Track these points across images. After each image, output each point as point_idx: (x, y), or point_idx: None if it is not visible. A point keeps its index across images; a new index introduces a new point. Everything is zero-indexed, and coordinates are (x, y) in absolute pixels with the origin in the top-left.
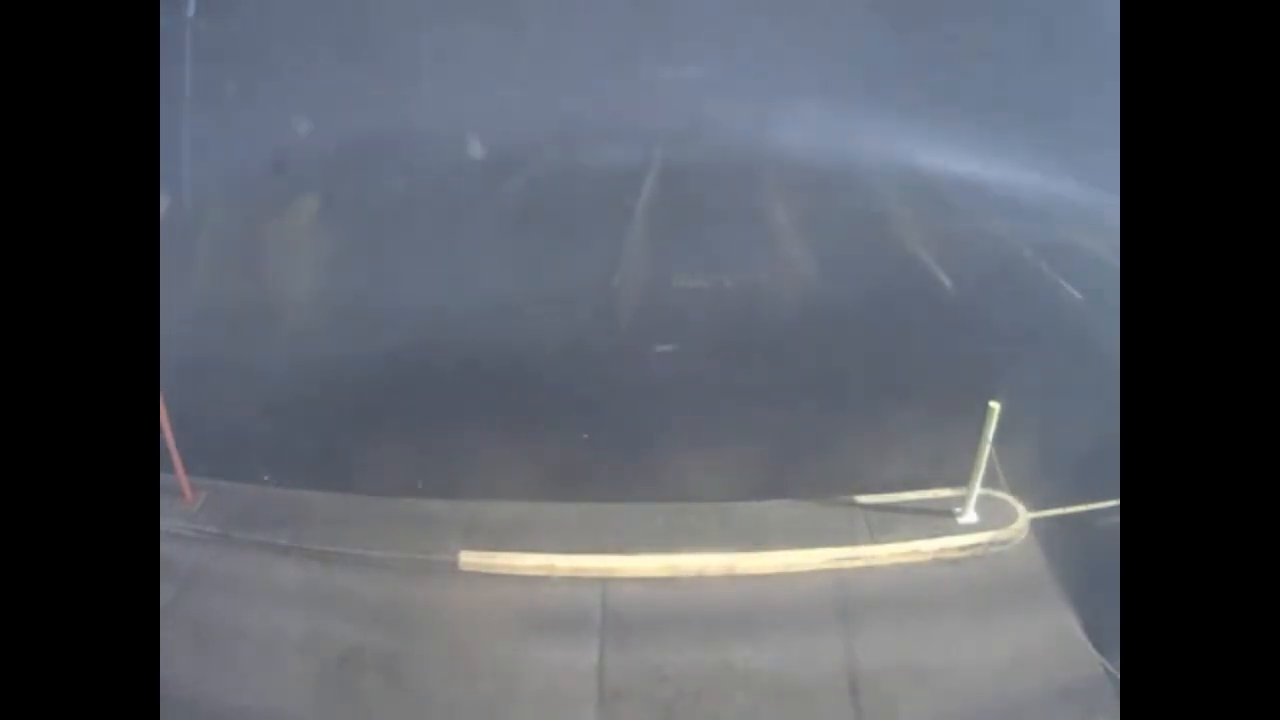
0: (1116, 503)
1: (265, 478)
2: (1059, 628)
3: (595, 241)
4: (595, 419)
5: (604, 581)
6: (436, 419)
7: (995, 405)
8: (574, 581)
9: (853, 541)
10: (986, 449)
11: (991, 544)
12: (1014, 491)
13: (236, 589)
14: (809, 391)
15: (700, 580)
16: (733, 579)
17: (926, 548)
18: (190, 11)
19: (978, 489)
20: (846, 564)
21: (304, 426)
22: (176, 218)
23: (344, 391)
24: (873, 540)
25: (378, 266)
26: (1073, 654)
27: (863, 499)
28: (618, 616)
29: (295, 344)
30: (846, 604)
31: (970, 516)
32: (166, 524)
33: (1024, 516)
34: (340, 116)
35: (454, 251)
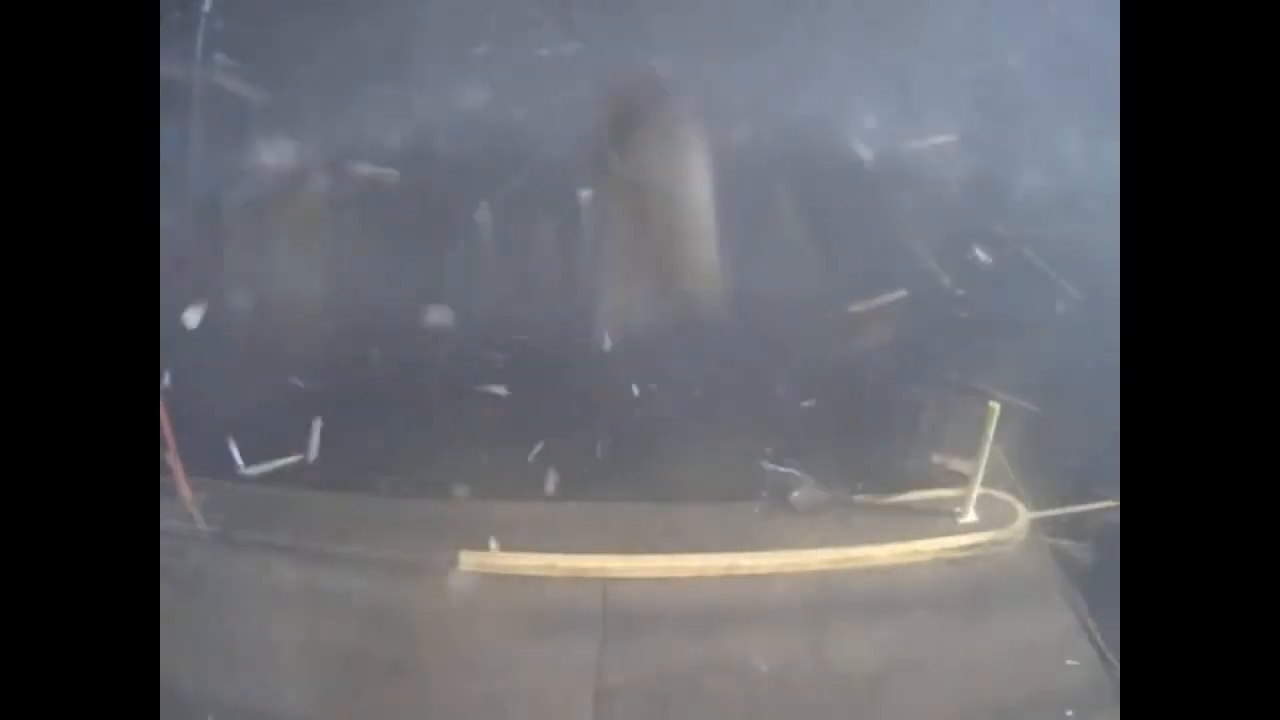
0: (1116, 503)
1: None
2: (1059, 627)
3: None
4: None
5: (604, 581)
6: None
7: (995, 405)
8: (574, 581)
9: (853, 541)
10: (986, 449)
11: (991, 544)
12: (1014, 491)
13: (236, 589)
14: (808, 391)
15: (700, 580)
16: (733, 579)
17: (926, 548)
18: (206, 7)
19: (978, 489)
20: (846, 564)
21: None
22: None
23: (343, 389)
24: (873, 540)
25: (381, 266)
26: (1073, 653)
27: (863, 499)
28: (618, 616)
29: (295, 341)
30: (846, 604)
31: (970, 516)
32: (166, 524)
33: (1024, 516)
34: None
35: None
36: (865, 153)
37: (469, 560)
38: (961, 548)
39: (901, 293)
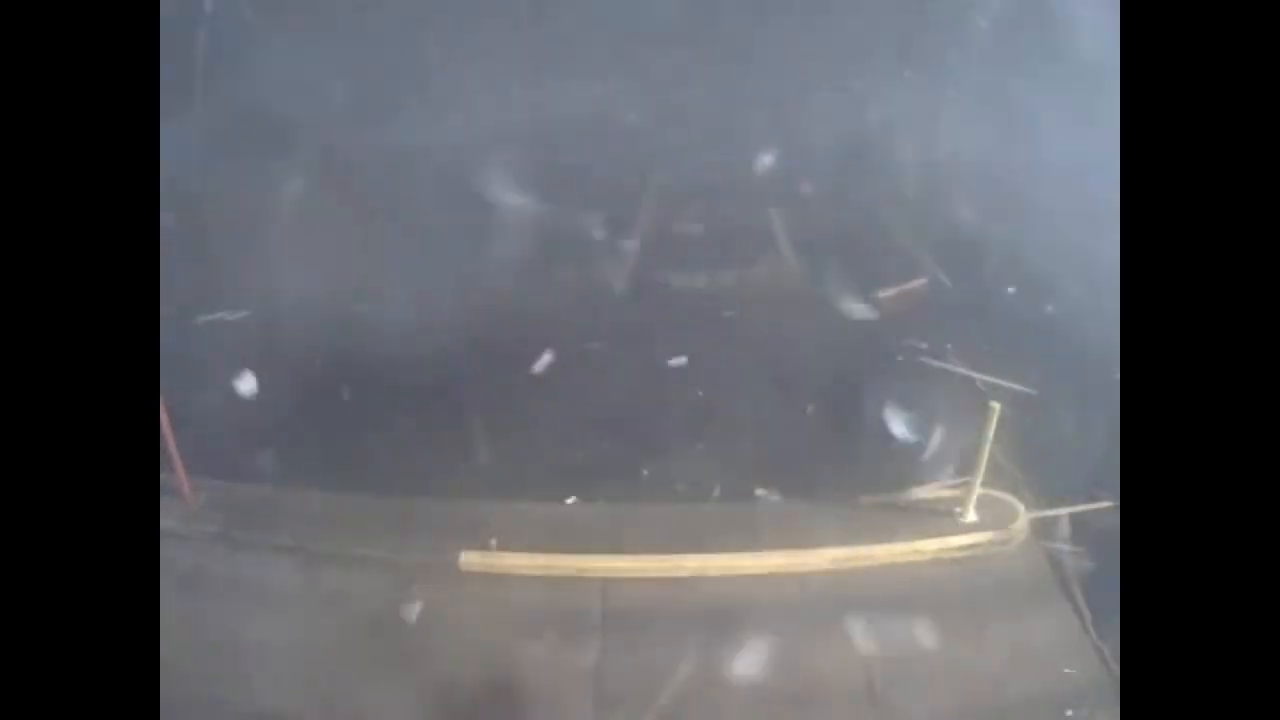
0: (1116, 503)
1: None
2: (1059, 627)
3: None
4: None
5: (604, 581)
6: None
7: (996, 405)
8: (574, 581)
9: (853, 541)
10: (987, 449)
11: (991, 544)
12: (1015, 490)
13: (236, 589)
14: (808, 392)
15: (700, 580)
16: (733, 579)
17: (926, 548)
18: (208, 8)
19: (978, 489)
20: (846, 564)
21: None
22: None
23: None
24: (873, 540)
25: (382, 263)
26: (1072, 653)
27: (863, 499)
28: (618, 616)
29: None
30: (847, 604)
31: (970, 516)
32: (166, 524)
33: (1024, 516)
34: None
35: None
36: (866, 156)
37: (469, 560)
38: (961, 548)
39: (922, 280)
